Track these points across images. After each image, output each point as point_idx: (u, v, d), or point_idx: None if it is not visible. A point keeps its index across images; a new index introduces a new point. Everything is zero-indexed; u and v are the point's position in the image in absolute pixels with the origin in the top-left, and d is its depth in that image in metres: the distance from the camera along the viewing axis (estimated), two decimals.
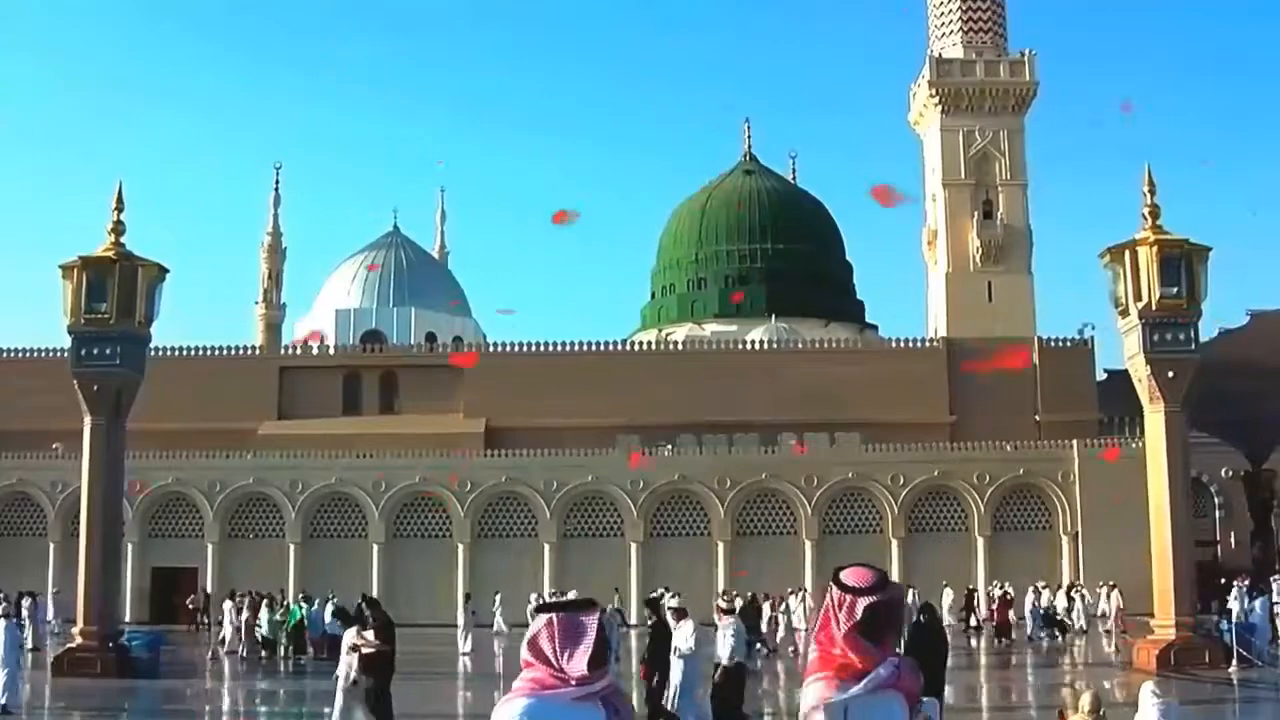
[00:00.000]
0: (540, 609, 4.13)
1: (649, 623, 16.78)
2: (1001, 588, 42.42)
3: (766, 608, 37.09)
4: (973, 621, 43.24)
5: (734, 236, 76.50)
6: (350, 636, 16.34)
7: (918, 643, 15.43)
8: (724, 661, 15.96)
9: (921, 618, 16.85)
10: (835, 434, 56.98)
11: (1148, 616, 29.47)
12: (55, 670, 26.26)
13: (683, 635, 16.15)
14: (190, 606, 46.71)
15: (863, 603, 4.26)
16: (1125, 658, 29.55)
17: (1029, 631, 40.47)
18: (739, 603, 36.69)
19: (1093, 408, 59.48)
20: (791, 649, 35.48)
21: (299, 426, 58.50)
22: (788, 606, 38.61)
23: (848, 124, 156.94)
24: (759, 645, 35.03)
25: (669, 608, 18.06)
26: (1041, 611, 41.32)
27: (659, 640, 16.54)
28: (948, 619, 44.94)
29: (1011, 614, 40.76)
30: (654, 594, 21.75)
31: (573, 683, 3.94)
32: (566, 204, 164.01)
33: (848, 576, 4.34)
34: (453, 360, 59.04)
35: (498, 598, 44.08)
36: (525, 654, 4.03)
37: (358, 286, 75.63)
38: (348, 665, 16.03)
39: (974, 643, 39.81)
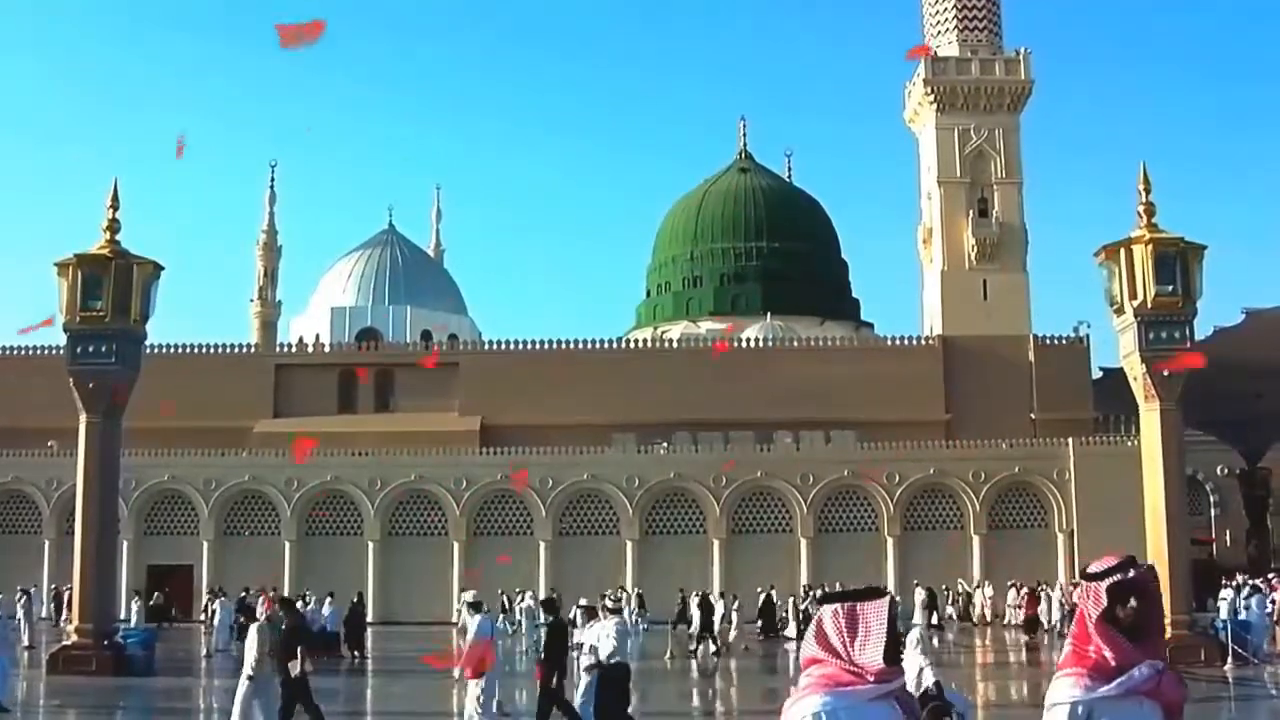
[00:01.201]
0: (825, 599, 3.91)
1: (546, 621, 16.82)
2: (1023, 585, 42.97)
3: (719, 606, 36.98)
4: (934, 620, 43.65)
5: (729, 234, 76.51)
6: (252, 634, 16.46)
7: None
8: (603, 661, 15.89)
9: None
10: (830, 432, 57.03)
11: None
12: (50, 668, 26.21)
13: (593, 634, 16.17)
14: (152, 604, 46.50)
15: (1106, 584, 4.00)
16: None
17: (1057, 627, 40.93)
18: (701, 600, 36.73)
19: (1088, 406, 59.55)
20: (744, 646, 35.82)
21: (295, 424, 58.35)
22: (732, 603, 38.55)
23: (843, 122, 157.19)
24: (712, 644, 34.99)
25: (580, 607, 18.15)
26: (1069, 608, 41.71)
27: (556, 639, 16.64)
28: (918, 617, 45.31)
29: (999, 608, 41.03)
30: (553, 594, 21.96)
31: (870, 678, 3.69)
32: (563, 201, 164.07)
33: (1092, 565, 4.12)
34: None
35: (464, 596, 43.85)
36: (814, 648, 3.78)
37: (353, 285, 75.59)
38: (251, 663, 16.10)
39: (934, 641, 39.95)
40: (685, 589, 43.34)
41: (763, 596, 45.84)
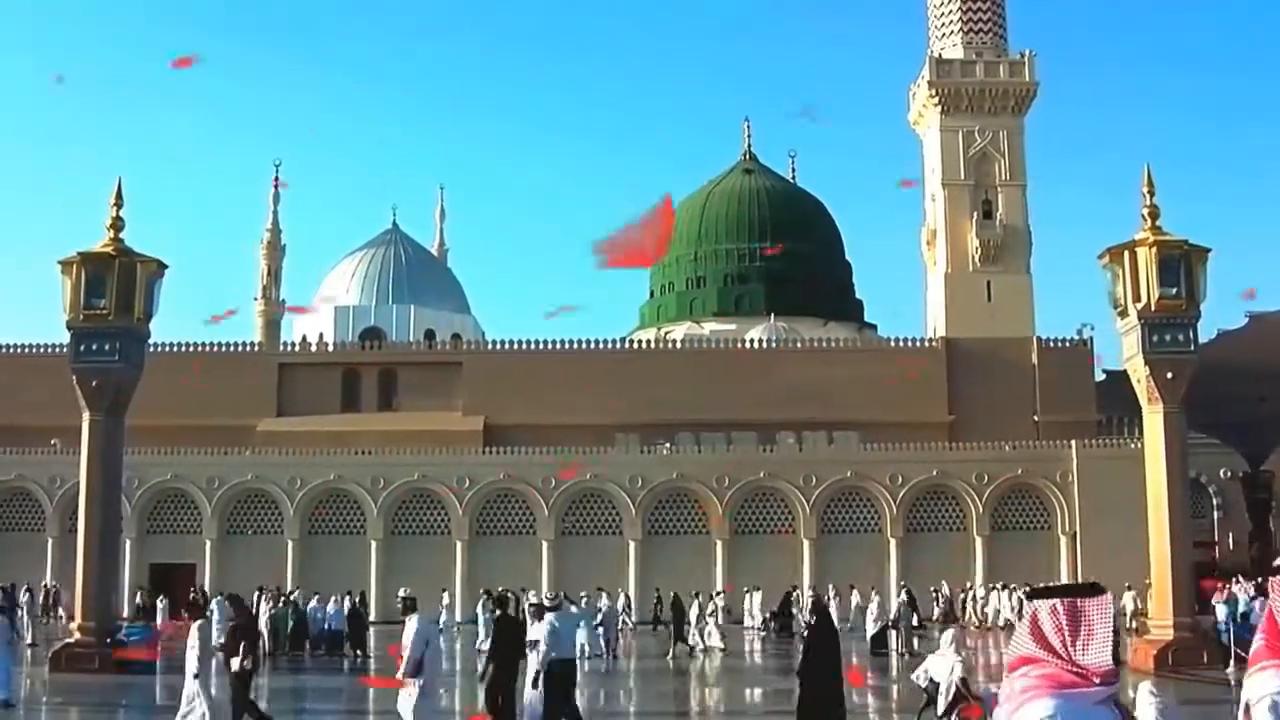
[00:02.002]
0: (1035, 594, 3.69)
1: (495, 616, 16.83)
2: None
3: (694, 607, 36.89)
4: (914, 620, 43.50)
5: (733, 235, 76.53)
6: (193, 634, 16.54)
7: (819, 640, 15.72)
8: (542, 660, 16.02)
9: (812, 618, 17.24)
10: (833, 433, 57.00)
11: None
12: (53, 665, 26.24)
13: (536, 633, 16.24)
14: (140, 604, 46.54)
15: None
16: (1122, 657, 29.55)
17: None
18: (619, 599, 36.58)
19: (1091, 408, 59.52)
20: (693, 647, 35.31)
21: (298, 423, 58.51)
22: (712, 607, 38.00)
23: (847, 124, 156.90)
24: (687, 644, 34.88)
25: (530, 604, 18.22)
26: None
27: (506, 636, 16.66)
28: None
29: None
30: (502, 590, 22.01)
31: (1095, 680, 3.52)
32: (567, 201, 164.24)
33: (1276, 563, 4.02)
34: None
35: (445, 595, 43.88)
36: (1029, 646, 3.58)
37: (357, 284, 75.66)
38: (196, 661, 16.19)
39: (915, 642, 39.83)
40: (661, 590, 43.32)
41: (759, 595, 45.93)
